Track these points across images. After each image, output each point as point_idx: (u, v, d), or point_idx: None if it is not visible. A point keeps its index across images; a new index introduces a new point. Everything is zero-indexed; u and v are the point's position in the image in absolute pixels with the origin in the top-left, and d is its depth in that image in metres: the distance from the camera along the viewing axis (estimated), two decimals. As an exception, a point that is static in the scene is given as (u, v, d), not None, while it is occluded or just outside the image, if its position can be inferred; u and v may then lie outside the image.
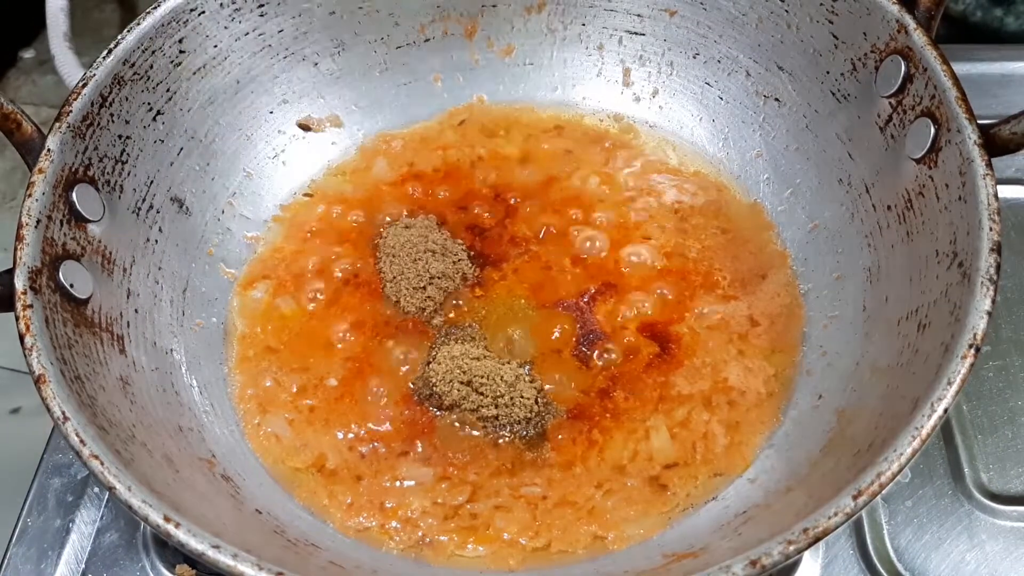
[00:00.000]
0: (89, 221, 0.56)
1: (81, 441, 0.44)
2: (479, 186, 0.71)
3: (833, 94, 0.63)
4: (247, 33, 0.65)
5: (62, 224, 0.53)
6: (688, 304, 0.64)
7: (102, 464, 0.44)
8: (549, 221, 0.68)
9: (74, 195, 0.54)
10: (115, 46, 0.58)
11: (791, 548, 0.41)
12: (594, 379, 0.60)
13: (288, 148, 0.71)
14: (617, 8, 0.71)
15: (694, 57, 0.70)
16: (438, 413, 0.59)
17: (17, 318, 0.48)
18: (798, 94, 0.66)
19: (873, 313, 0.57)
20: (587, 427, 0.58)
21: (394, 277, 0.64)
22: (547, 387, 0.60)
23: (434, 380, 0.59)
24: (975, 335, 0.45)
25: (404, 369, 0.61)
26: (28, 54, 1.53)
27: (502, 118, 0.74)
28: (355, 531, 0.56)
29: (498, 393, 0.58)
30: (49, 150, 0.53)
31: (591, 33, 0.72)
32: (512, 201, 0.70)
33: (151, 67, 0.60)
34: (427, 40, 0.73)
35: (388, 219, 0.69)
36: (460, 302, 0.64)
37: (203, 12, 0.62)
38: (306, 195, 0.71)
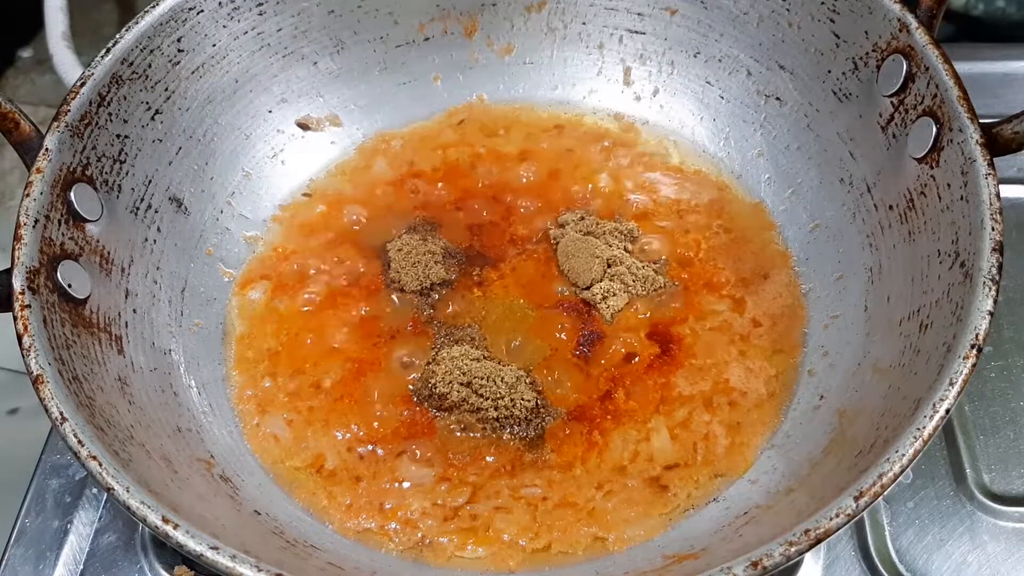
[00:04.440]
0: (87, 221, 0.55)
1: (79, 442, 0.44)
2: (479, 185, 0.71)
3: (834, 93, 0.63)
4: (246, 32, 0.65)
5: (60, 224, 0.53)
6: (689, 304, 0.63)
7: (100, 465, 0.44)
8: (549, 221, 0.68)
9: (72, 195, 0.54)
10: (113, 45, 0.58)
11: (792, 549, 0.41)
12: (594, 380, 0.60)
13: (287, 147, 0.71)
14: (618, 7, 0.71)
15: (695, 56, 0.70)
16: (437, 414, 0.59)
17: (15, 318, 0.48)
18: (799, 93, 0.65)
19: (875, 313, 0.57)
20: (587, 428, 0.58)
21: (397, 279, 0.64)
22: (547, 388, 0.60)
23: (434, 381, 0.59)
24: (977, 335, 0.45)
25: (403, 370, 0.61)
26: (26, 53, 1.52)
27: (502, 117, 0.74)
28: (354, 532, 0.56)
29: (498, 395, 0.58)
30: (47, 149, 0.53)
31: (591, 32, 0.72)
32: (512, 201, 0.69)
33: (149, 66, 0.60)
34: (426, 39, 0.73)
35: (394, 228, 0.68)
36: (460, 303, 0.64)
37: (201, 11, 0.61)
38: (305, 195, 0.71)
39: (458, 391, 0.58)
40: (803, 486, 0.51)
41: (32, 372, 0.46)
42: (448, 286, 0.65)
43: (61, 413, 0.45)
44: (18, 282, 0.49)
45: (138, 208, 0.61)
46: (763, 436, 0.58)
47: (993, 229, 0.47)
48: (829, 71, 0.62)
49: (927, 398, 0.44)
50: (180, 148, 0.64)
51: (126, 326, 0.57)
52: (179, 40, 0.61)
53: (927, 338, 0.50)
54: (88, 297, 0.54)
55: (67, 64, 0.95)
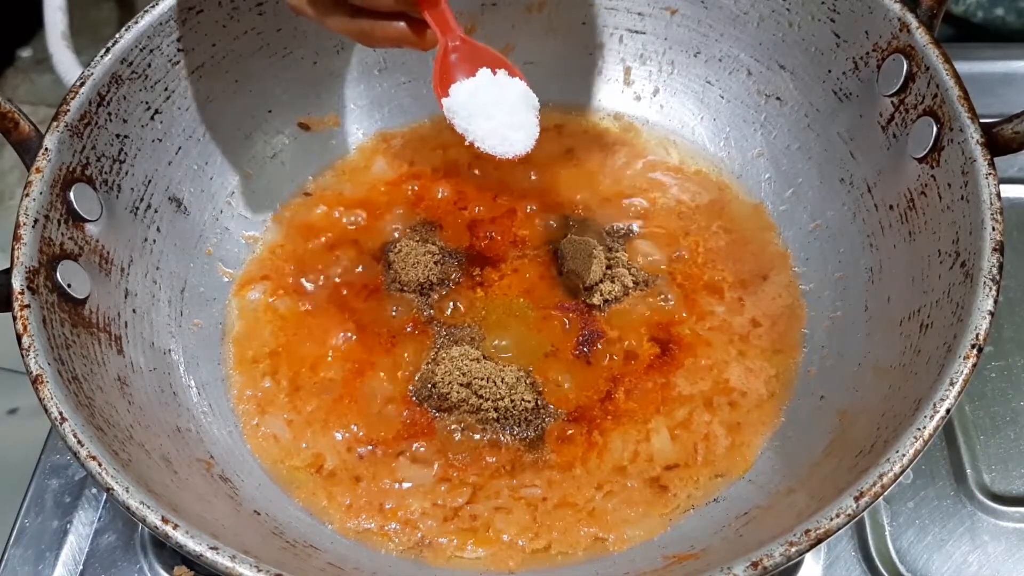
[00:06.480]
0: (87, 221, 0.55)
1: (79, 442, 0.44)
2: (478, 186, 0.70)
3: (835, 93, 0.63)
4: (245, 32, 0.65)
5: (60, 224, 0.53)
6: (689, 305, 0.63)
7: (100, 465, 0.44)
8: (549, 221, 0.68)
9: (72, 194, 0.54)
10: (113, 45, 0.58)
11: (793, 549, 0.41)
12: (594, 380, 0.60)
13: (287, 147, 0.71)
14: (618, 6, 0.70)
15: (695, 56, 0.70)
16: (437, 415, 0.59)
17: (15, 318, 0.48)
18: (800, 93, 0.65)
19: (875, 313, 0.57)
20: (587, 428, 0.58)
21: (397, 279, 0.64)
22: (547, 389, 0.60)
23: (434, 382, 0.59)
24: (978, 335, 0.45)
25: (404, 371, 0.61)
26: (26, 53, 1.53)
27: (502, 117, 0.74)
28: (354, 532, 0.56)
29: (498, 395, 0.58)
30: (47, 149, 0.53)
31: (591, 32, 0.72)
32: (511, 201, 0.69)
33: (149, 66, 0.60)
34: (427, 39, 0.73)
35: (394, 228, 0.68)
36: (460, 303, 0.64)
37: (201, 11, 0.61)
38: (305, 194, 0.71)
39: (458, 392, 0.58)
40: (803, 486, 0.51)
41: (32, 372, 0.46)
42: (448, 286, 0.65)
43: (61, 413, 0.45)
44: (17, 282, 0.49)
45: (138, 208, 0.61)
46: (763, 436, 0.58)
47: (994, 229, 0.47)
48: (829, 71, 0.62)
49: (928, 398, 0.44)
50: (180, 148, 0.64)
51: (126, 326, 0.57)
52: (179, 40, 0.61)
53: (928, 338, 0.50)
54: (88, 297, 0.54)
55: (66, 64, 0.95)
